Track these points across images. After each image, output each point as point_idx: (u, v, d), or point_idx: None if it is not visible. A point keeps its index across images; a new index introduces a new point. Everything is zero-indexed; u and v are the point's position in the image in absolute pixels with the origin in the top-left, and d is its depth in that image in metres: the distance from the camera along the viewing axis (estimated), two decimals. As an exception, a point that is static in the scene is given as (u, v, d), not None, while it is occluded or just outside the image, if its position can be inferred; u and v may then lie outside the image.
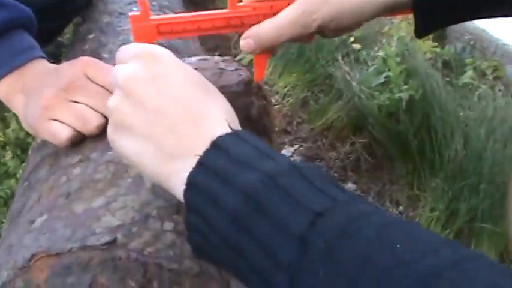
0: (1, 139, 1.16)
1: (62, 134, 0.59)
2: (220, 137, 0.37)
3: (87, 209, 0.49)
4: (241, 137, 0.38)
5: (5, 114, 1.21)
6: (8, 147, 1.13)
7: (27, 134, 1.17)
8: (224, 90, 0.47)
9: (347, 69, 1.23)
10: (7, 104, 0.69)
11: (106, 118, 0.59)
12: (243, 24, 0.46)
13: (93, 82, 0.61)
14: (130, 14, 0.43)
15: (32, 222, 0.51)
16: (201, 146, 0.37)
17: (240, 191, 0.34)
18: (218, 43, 1.65)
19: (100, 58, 0.80)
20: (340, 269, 0.30)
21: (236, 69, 0.49)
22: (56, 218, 0.49)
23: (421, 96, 1.01)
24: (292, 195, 0.33)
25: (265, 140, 0.50)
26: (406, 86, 1.03)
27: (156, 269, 0.43)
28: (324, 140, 1.22)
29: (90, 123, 0.59)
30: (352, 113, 1.19)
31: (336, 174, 1.14)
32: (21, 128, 1.17)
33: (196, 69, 0.49)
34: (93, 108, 0.59)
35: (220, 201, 0.34)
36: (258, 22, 0.46)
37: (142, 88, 0.40)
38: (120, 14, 1.00)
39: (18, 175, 1.08)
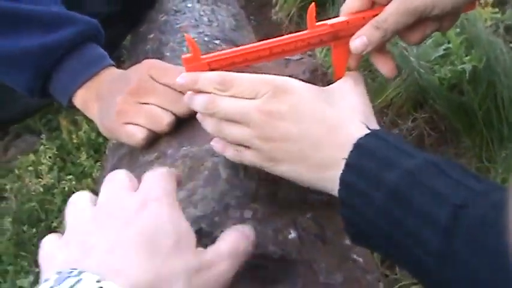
0: (75, 141, 1.22)
1: (137, 135, 0.62)
2: (360, 139, 0.41)
3: (170, 202, 0.52)
4: (380, 136, 0.41)
5: (76, 117, 1.28)
6: (82, 148, 1.20)
7: (98, 135, 1.23)
8: (291, 80, 0.48)
9: (403, 44, 1.21)
10: (84, 111, 0.73)
11: (175, 115, 0.62)
12: (322, 42, 0.47)
13: (159, 82, 0.64)
14: (183, 56, 0.46)
15: (120, 218, 0.55)
16: (345, 150, 0.41)
17: (385, 189, 0.38)
18: (269, 30, 1.66)
19: (162, 56, 0.84)
20: (485, 257, 0.32)
21: (301, 58, 0.50)
22: (142, 213, 0.53)
23: (484, 66, 0.98)
24: (433, 190, 0.36)
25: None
26: (468, 57, 1.00)
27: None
28: (384, 118, 1.21)
29: (161, 121, 0.62)
30: (412, 89, 1.17)
31: (399, 152, 1.13)
32: (93, 130, 1.24)
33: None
34: (162, 107, 0.62)
35: (369, 197, 0.39)
36: (351, 34, 0.47)
37: (283, 122, 0.43)
38: (176, 11, 1.03)
39: (93, 174, 1.14)
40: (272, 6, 1.79)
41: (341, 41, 0.47)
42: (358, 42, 0.47)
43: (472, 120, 1.03)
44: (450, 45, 1.08)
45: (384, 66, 0.51)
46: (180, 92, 0.62)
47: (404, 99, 1.19)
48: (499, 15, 1.16)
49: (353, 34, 0.47)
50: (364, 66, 1.35)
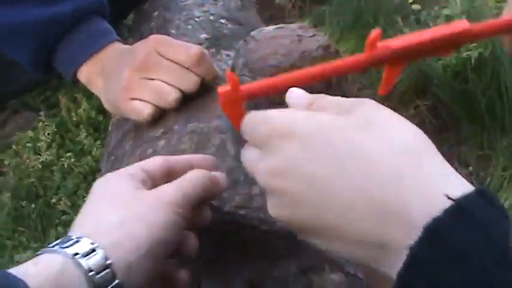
0: (74, 119, 1.21)
1: (144, 111, 0.61)
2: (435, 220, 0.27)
3: (178, 177, 0.52)
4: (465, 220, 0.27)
5: (76, 95, 1.27)
6: (81, 126, 1.19)
7: (98, 113, 1.22)
8: (305, 55, 0.48)
9: (407, 31, 1.21)
10: (88, 87, 0.72)
11: (182, 91, 0.62)
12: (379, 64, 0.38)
13: (165, 58, 0.63)
14: (219, 90, 0.39)
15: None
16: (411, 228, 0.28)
17: None
18: (272, 13, 1.65)
19: (168, 34, 0.82)
20: None
21: (314, 35, 0.50)
22: (148, 187, 0.52)
23: (490, 53, 0.98)
24: None
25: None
26: (474, 44, 1.00)
27: (249, 230, 0.46)
28: (386, 104, 1.21)
29: (168, 97, 0.61)
30: (415, 76, 1.17)
31: (400, 138, 1.13)
32: (92, 108, 1.23)
33: (275, 37, 0.51)
34: (168, 83, 0.62)
35: None
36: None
37: (297, 183, 0.32)
38: (181, -10, 1.02)
39: (93, 152, 1.13)
40: (275, -10, 1.78)
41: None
42: None
43: (474, 108, 1.03)
44: (455, 33, 1.07)
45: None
46: (187, 68, 0.61)
47: (406, 86, 1.18)
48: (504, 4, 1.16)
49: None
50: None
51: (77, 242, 0.35)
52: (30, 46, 0.71)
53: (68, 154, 1.12)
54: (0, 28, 0.70)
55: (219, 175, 0.44)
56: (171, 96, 0.61)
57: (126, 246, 0.36)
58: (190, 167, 0.43)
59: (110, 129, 0.78)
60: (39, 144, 1.15)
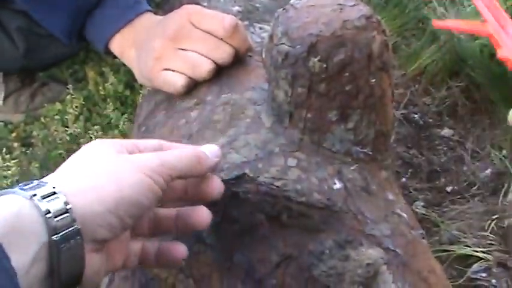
0: (102, 93, 1.21)
1: (177, 82, 0.61)
2: None
3: (211, 147, 0.51)
4: None
5: (103, 69, 1.27)
6: (108, 100, 1.19)
7: (125, 88, 1.22)
8: (347, 25, 0.46)
9: (442, 10, 1.17)
10: (121, 58, 0.72)
11: (215, 63, 0.61)
12: None
13: (199, 28, 0.62)
14: None
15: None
16: None
17: None
18: None
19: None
20: None
21: (355, 4, 0.48)
22: (182, 157, 0.52)
23: (531, 34, 0.94)
24: None
25: (384, 75, 0.49)
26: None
27: (284, 201, 0.45)
28: (417, 86, 1.18)
29: (201, 68, 0.60)
30: (448, 57, 1.14)
31: (430, 120, 1.11)
32: (120, 82, 1.23)
33: (315, 6, 0.49)
34: (202, 54, 0.61)
35: None
36: None
37: None
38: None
39: (120, 126, 1.13)
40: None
41: None
42: None
43: (510, 91, 1.00)
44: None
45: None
46: (221, 39, 0.60)
47: (439, 67, 1.15)
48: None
49: None
50: (398, 32, 1.31)
51: (39, 186, 0.34)
52: (65, 16, 0.71)
53: (95, 127, 1.13)
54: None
55: (209, 148, 0.44)
56: (204, 67, 0.60)
57: (90, 196, 0.35)
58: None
59: (140, 100, 0.78)
60: (66, 117, 1.16)
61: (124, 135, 1.11)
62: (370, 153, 0.50)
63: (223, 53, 0.60)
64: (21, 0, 0.79)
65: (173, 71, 0.62)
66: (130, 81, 1.21)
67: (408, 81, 1.20)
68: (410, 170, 1.00)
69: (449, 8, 1.20)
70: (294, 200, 0.44)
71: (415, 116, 1.12)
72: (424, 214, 0.90)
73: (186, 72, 0.61)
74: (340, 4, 0.48)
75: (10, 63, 1.13)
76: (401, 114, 1.12)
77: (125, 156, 0.39)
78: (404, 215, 0.48)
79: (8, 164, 1.03)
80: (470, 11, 1.13)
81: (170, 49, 0.62)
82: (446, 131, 1.08)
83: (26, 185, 0.35)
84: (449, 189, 0.96)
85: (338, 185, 0.46)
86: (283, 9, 0.50)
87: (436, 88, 1.15)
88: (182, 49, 0.62)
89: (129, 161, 0.38)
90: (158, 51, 0.62)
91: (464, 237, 0.85)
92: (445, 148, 1.05)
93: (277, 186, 0.45)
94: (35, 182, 0.35)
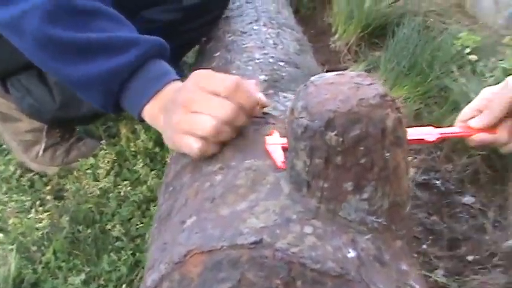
0: (133, 149, 1.27)
1: (192, 145, 0.65)
2: None
3: (233, 211, 0.53)
4: None
5: (135, 126, 1.33)
6: (138, 156, 1.24)
7: (155, 145, 1.27)
8: (362, 103, 0.49)
9: (463, 80, 1.20)
10: (153, 125, 0.77)
11: (219, 121, 0.63)
12: None
13: (206, 91, 0.65)
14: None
15: (183, 222, 0.57)
16: None
17: None
18: (328, 57, 1.68)
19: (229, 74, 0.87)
20: None
21: (371, 84, 0.52)
22: (205, 220, 0.54)
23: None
24: None
25: (398, 150, 0.52)
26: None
27: (300, 268, 0.47)
28: (439, 152, 1.20)
29: (204, 125, 0.63)
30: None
31: (452, 187, 1.12)
32: (150, 140, 1.29)
33: (332, 83, 0.53)
34: (206, 114, 0.64)
35: None
36: None
37: None
38: (242, 33, 1.07)
39: (148, 182, 1.17)
40: (331, 35, 1.82)
41: None
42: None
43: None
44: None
45: None
46: (224, 97, 0.64)
47: (461, 134, 1.17)
48: None
49: None
50: (422, 99, 1.35)
51: None
52: (98, 96, 0.77)
53: (125, 182, 1.17)
54: (78, 81, 0.77)
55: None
56: (207, 124, 0.63)
57: None
58: None
59: (169, 161, 0.82)
60: (98, 171, 1.21)
61: (151, 190, 1.15)
62: (385, 223, 0.52)
63: (227, 110, 0.63)
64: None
65: (187, 134, 0.65)
66: (160, 139, 1.26)
67: (431, 147, 1.22)
68: (431, 237, 1.01)
69: (471, 78, 1.23)
70: (308, 266, 0.46)
71: (437, 182, 1.14)
72: (444, 283, 0.90)
73: (196, 133, 0.64)
74: (357, 83, 0.52)
75: (48, 114, 1.20)
76: (423, 179, 1.14)
77: None
78: (417, 287, 0.49)
79: (41, 216, 1.08)
80: (492, 83, 1.16)
81: (184, 114, 0.66)
82: (467, 199, 1.08)
83: None
84: (470, 258, 0.96)
85: (352, 253, 0.48)
86: (304, 85, 0.54)
87: (457, 155, 1.17)
88: (193, 112, 0.66)
89: None
90: (176, 117, 0.67)
91: (485, 309, 0.84)
92: (466, 216, 1.05)
93: (293, 253, 0.47)
94: None
